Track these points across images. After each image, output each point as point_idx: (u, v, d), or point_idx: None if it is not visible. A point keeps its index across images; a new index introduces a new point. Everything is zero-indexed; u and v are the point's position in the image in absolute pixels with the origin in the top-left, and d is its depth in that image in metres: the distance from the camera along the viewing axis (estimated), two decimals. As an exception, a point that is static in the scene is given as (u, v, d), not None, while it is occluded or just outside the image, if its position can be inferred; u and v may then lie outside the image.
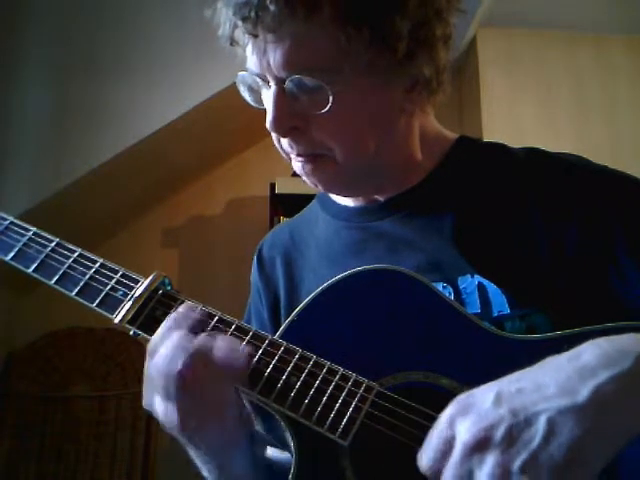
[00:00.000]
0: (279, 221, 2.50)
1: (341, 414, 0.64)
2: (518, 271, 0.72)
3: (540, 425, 0.47)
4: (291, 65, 0.68)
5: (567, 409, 0.47)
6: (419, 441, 0.59)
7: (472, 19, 2.75)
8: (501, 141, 0.84)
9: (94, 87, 2.27)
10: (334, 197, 0.88)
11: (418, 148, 0.81)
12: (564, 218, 0.72)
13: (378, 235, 0.81)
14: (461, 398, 0.52)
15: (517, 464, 0.46)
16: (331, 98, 0.68)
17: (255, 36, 0.68)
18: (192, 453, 0.72)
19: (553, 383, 0.49)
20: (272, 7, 0.64)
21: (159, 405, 0.65)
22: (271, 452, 0.83)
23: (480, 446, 0.48)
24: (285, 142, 0.75)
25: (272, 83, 0.70)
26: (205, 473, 0.73)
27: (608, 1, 2.78)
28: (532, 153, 0.80)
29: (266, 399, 0.66)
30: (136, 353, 2.53)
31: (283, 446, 0.81)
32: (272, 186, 2.59)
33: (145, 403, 0.68)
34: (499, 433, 0.47)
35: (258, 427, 0.73)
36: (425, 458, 0.51)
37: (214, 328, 0.71)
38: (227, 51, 0.75)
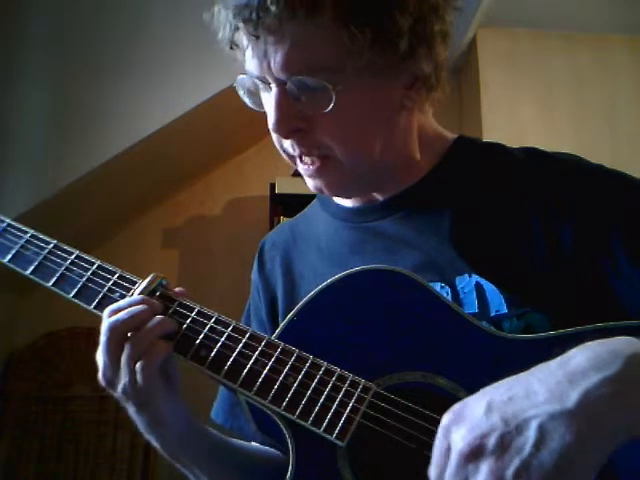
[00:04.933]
0: (279, 221, 2.50)
1: (338, 415, 0.64)
2: (516, 271, 0.72)
3: (531, 432, 0.47)
4: (292, 66, 0.68)
5: (557, 414, 0.47)
6: (416, 442, 0.59)
7: (472, 19, 2.75)
8: (501, 141, 0.84)
9: (94, 87, 2.28)
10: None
11: (417, 147, 0.81)
12: (562, 217, 0.72)
13: (377, 235, 0.81)
14: (455, 408, 0.53)
15: (510, 471, 0.46)
16: (334, 97, 0.68)
17: (256, 38, 0.68)
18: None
19: (543, 389, 0.49)
20: (273, 8, 0.64)
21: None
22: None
23: (474, 455, 0.48)
24: (288, 144, 0.75)
25: (273, 85, 0.70)
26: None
27: (608, 1, 2.77)
28: (530, 153, 0.80)
29: (262, 400, 0.67)
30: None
31: (281, 447, 0.81)
32: (272, 186, 2.59)
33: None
34: (491, 441, 0.47)
35: (254, 428, 0.73)
36: (432, 471, 0.52)
37: (211, 329, 0.72)
38: (227, 53, 0.75)
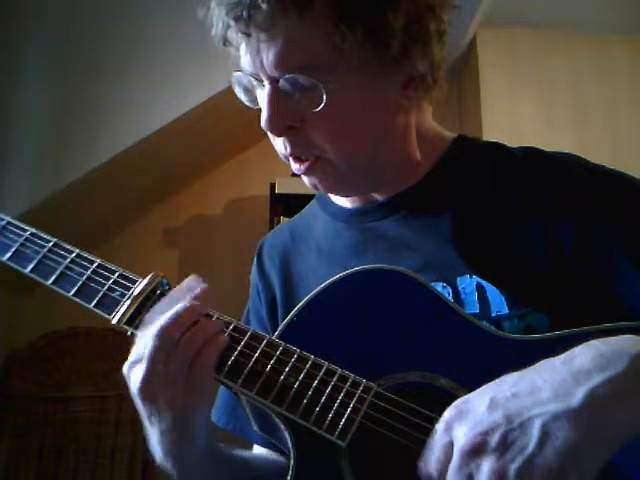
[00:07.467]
0: (279, 221, 2.50)
1: (339, 415, 0.64)
2: (516, 271, 0.72)
3: (535, 430, 0.47)
4: (284, 64, 0.68)
5: (561, 413, 0.47)
6: (417, 442, 0.59)
7: (472, 19, 2.74)
8: (501, 141, 0.84)
9: (94, 87, 2.27)
10: (333, 197, 0.88)
11: (416, 147, 0.81)
12: (562, 217, 0.72)
13: (377, 236, 0.81)
14: (457, 403, 0.53)
15: (513, 470, 0.46)
16: (325, 96, 0.68)
17: (248, 35, 0.68)
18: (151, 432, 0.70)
19: (547, 387, 0.49)
20: (264, 6, 0.64)
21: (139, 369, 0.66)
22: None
23: (477, 451, 0.48)
24: (280, 142, 0.75)
25: (266, 82, 0.70)
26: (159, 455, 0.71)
27: (608, 1, 2.77)
28: (530, 153, 0.80)
29: (264, 400, 0.66)
30: (136, 353, 2.52)
31: (281, 447, 0.81)
32: (272, 186, 2.59)
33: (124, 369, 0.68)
34: (494, 439, 0.47)
35: (255, 428, 0.73)
36: (425, 464, 0.52)
37: None
38: (223, 51, 0.75)
